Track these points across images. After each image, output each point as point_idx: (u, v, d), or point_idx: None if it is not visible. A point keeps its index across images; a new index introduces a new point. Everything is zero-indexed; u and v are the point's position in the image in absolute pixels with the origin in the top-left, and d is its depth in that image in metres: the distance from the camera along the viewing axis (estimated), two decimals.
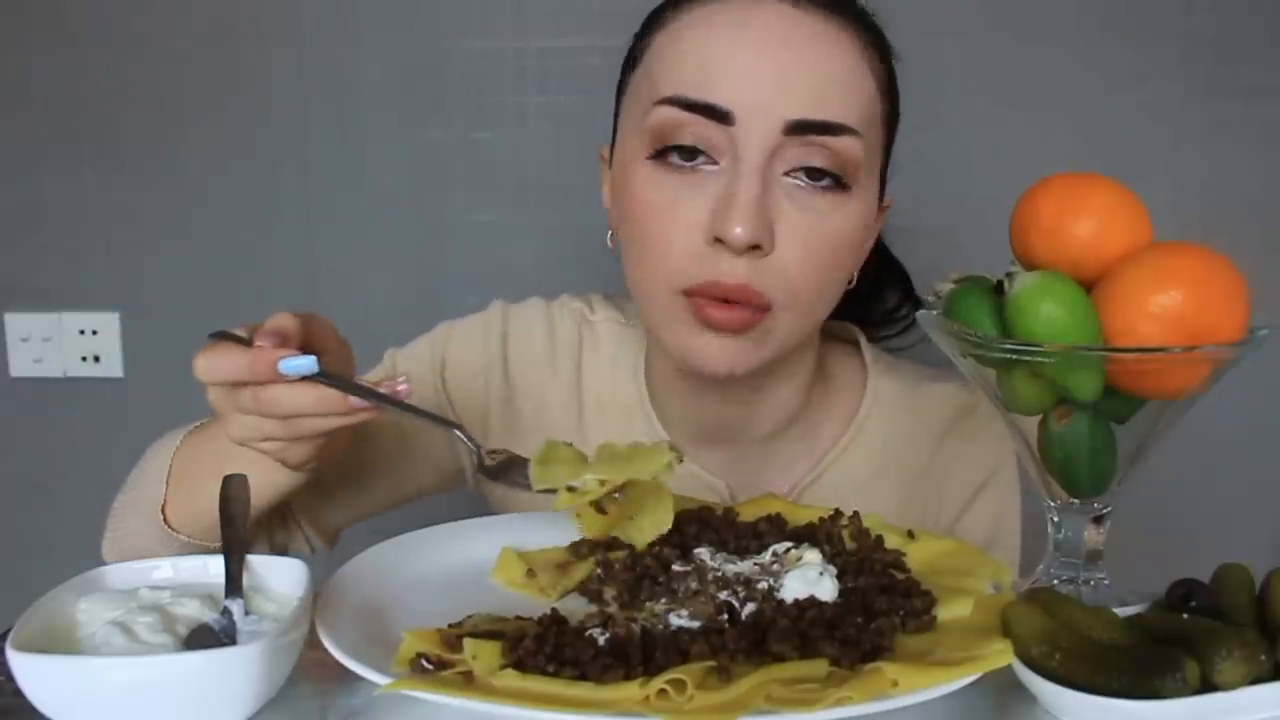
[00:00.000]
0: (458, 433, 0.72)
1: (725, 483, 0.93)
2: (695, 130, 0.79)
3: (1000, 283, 0.66)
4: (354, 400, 0.67)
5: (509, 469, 0.71)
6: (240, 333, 0.70)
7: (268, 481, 0.76)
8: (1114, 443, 0.67)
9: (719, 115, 0.78)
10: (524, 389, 0.98)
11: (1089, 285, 0.64)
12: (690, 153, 0.80)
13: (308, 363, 0.66)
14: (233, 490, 0.71)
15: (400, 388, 0.68)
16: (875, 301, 1.04)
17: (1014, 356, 0.63)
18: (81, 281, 1.65)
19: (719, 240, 0.78)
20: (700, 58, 0.80)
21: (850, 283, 0.88)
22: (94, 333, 1.65)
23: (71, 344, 1.65)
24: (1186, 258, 0.63)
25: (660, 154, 0.80)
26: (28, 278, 1.65)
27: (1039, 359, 0.63)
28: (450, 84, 1.55)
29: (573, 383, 0.97)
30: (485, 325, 0.99)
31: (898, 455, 0.95)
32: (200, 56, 1.57)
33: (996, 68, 1.49)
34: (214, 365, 0.67)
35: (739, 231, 0.77)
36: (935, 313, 0.69)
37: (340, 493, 0.94)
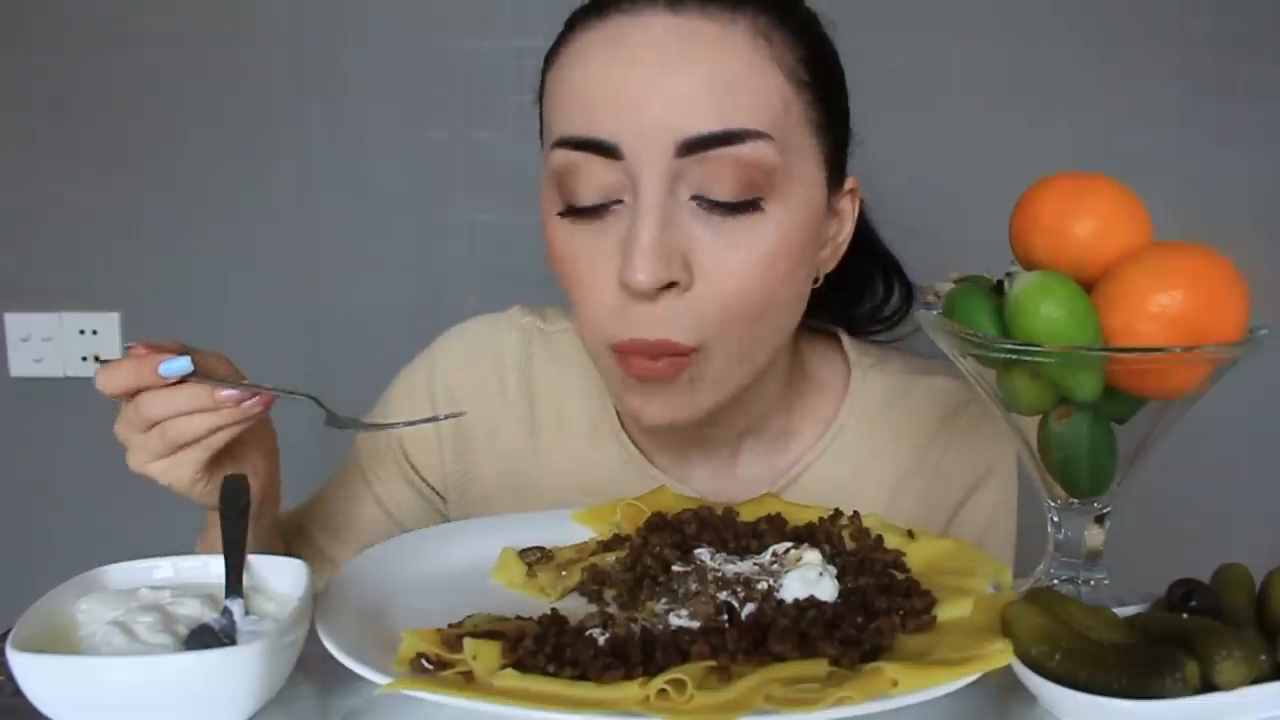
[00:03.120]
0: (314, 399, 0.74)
1: (698, 493, 0.89)
2: (592, 175, 0.75)
3: (1000, 283, 0.66)
4: (222, 393, 0.70)
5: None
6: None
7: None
8: (1114, 443, 0.67)
9: (606, 150, 0.74)
10: (473, 418, 0.93)
11: (1089, 285, 0.64)
12: (596, 208, 0.76)
13: (183, 362, 0.70)
14: (233, 490, 0.71)
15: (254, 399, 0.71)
16: (864, 294, 0.98)
17: (1014, 356, 0.63)
18: (81, 281, 1.65)
19: (628, 288, 0.74)
20: (581, 90, 0.76)
21: (816, 282, 0.84)
22: (94, 333, 1.65)
23: (71, 344, 1.66)
24: (1186, 258, 0.63)
25: (568, 213, 0.77)
26: (28, 278, 1.66)
27: (1039, 359, 0.63)
28: (450, 84, 1.56)
29: (524, 400, 0.94)
30: (427, 364, 0.96)
31: (883, 454, 0.92)
32: (200, 56, 1.58)
33: (996, 68, 1.49)
34: (110, 376, 0.70)
35: (640, 278, 0.72)
36: (935, 313, 0.68)
37: (323, 542, 0.95)
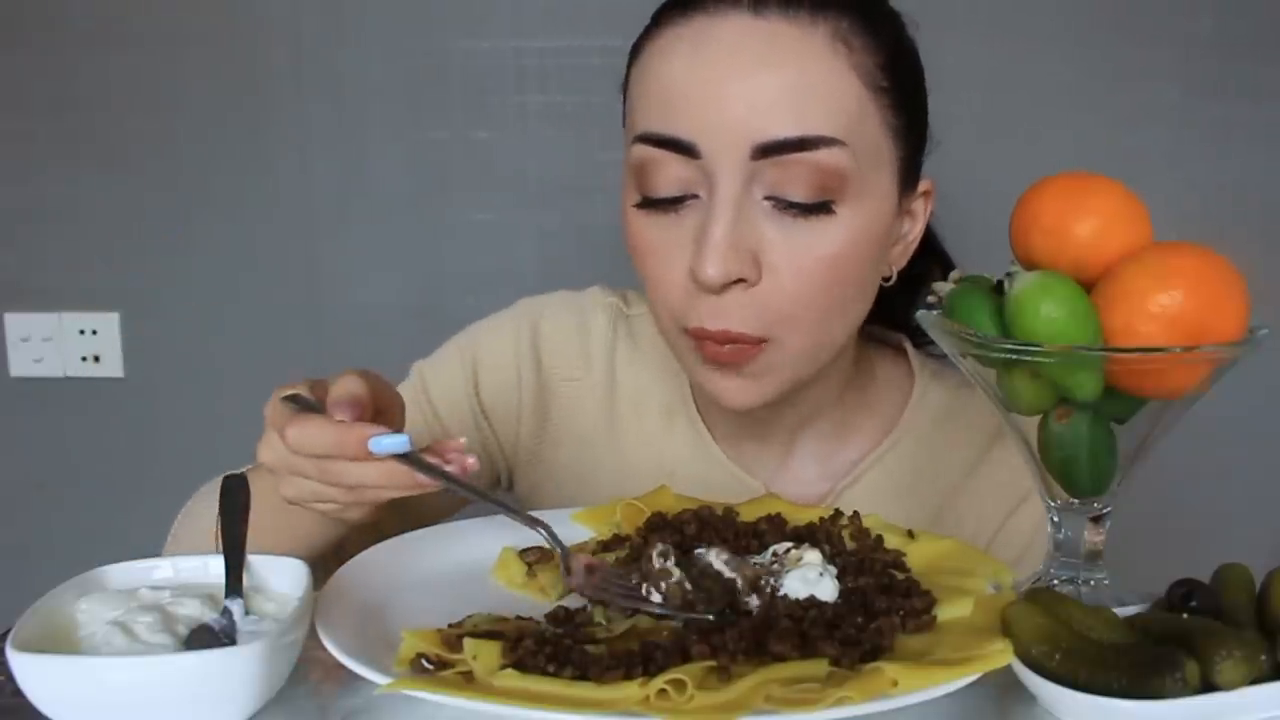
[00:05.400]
0: (542, 532, 0.68)
1: (764, 484, 0.92)
2: (670, 170, 0.77)
3: (1000, 283, 0.66)
4: (421, 478, 0.64)
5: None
6: (303, 392, 0.68)
7: (318, 532, 0.76)
8: (1114, 443, 0.67)
9: (684, 149, 0.76)
10: (555, 389, 0.96)
11: (1089, 285, 0.64)
12: (673, 200, 0.78)
13: (399, 442, 0.63)
14: (233, 490, 0.71)
15: (469, 462, 0.66)
16: (918, 300, 1.01)
17: (1014, 356, 0.63)
18: (81, 281, 1.65)
19: (698, 282, 0.77)
20: (662, 89, 0.78)
21: (889, 280, 0.85)
22: (94, 333, 1.65)
23: (71, 344, 1.66)
24: (1186, 258, 0.63)
25: (645, 204, 0.80)
26: (28, 278, 1.66)
27: (1039, 359, 0.63)
28: (450, 84, 1.56)
29: (606, 381, 0.96)
30: (514, 324, 0.97)
31: (943, 461, 0.93)
32: (200, 57, 1.58)
33: (996, 68, 1.49)
34: (305, 438, 0.64)
35: (710, 273, 0.75)
36: (935, 313, 0.69)
37: (392, 525, 0.92)
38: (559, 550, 0.68)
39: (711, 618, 0.62)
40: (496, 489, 1.01)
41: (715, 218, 0.76)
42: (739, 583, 0.64)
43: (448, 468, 0.65)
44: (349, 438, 0.63)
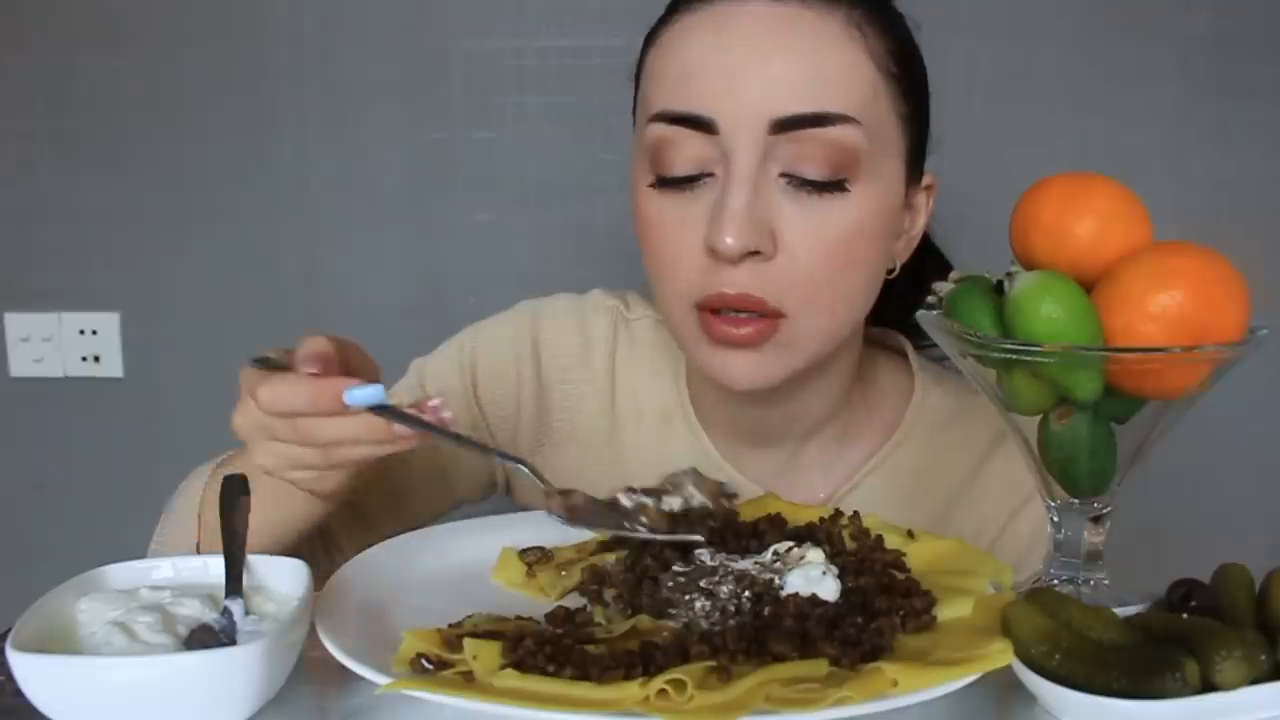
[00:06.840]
0: (524, 469, 0.70)
1: (764, 489, 0.91)
2: (686, 148, 0.78)
3: (1000, 283, 0.66)
4: (400, 429, 0.63)
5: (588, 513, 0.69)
6: (273, 355, 0.67)
7: (300, 512, 0.75)
8: (1114, 443, 0.67)
9: (702, 125, 0.78)
10: (555, 391, 0.96)
11: (1089, 285, 0.64)
12: (688, 179, 0.79)
13: (374, 392, 0.62)
14: (233, 491, 0.71)
15: (445, 415, 0.65)
16: (918, 297, 1.01)
17: (1014, 356, 0.63)
18: (81, 281, 1.65)
19: (716, 251, 0.77)
20: (681, 69, 0.79)
21: (891, 272, 0.86)
22: (94, 333, 1.65)
23: (71, 344, 1.65)
24: (1186, 258, 0.63)
25: (660, 184, 0.80)
26: (28, 278, 1.66)
27: (1039, 359, 0.63)
28: (450, 84, 1.56)
29: (606, 384, 0.96)
30: (515, 324, 0.97)
31: (943, 467, 0.93)
32: (200, 57, 1.58)
33: (996, 68, 1.49)
34: (279, 396, 0.63)
35: (729, 242, 0.76)
36: (935, 313, 0.69)
37: (380, 516, 0.92)
38: (542, 486, 0.71)
39: (701, 538, 0.67)
40: (494, 491, 1.01)
41: (733, 190, 0.77)
42: (709, 504, 0.66)
43: (424, 417, 0.64)
44: (323, 391, 0.63)
